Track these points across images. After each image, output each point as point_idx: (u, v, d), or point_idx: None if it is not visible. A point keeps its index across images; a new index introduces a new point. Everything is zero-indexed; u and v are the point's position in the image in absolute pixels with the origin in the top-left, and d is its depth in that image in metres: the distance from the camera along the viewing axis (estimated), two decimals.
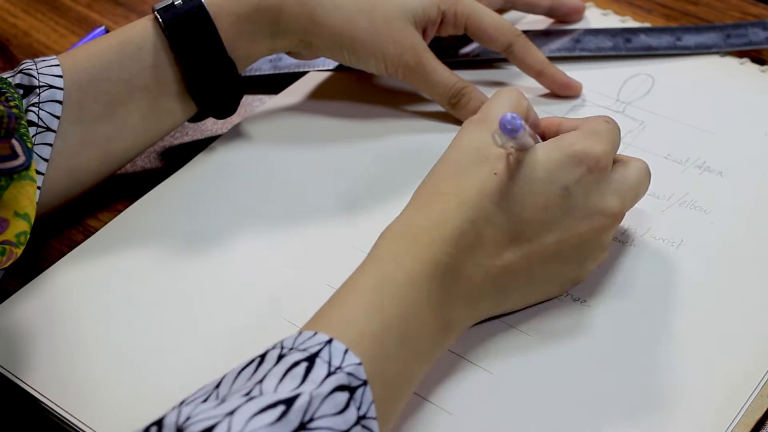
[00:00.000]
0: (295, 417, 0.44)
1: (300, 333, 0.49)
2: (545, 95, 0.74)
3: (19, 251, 0.57)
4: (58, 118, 0.63)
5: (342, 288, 0.52)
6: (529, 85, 0.74)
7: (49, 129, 0.62)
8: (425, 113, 0.73)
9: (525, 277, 0.56)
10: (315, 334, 0.48)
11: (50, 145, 0.63)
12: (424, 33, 0.71)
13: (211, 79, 0.67)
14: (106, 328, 0.60)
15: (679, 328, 0.58)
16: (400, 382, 0.50)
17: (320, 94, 0.76)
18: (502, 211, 0.54)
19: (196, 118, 0.70)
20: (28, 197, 0.58)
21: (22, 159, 0.58)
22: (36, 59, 0.64)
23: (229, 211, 0.67)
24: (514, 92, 0.59)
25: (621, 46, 0.77)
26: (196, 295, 0.62)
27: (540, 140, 0.60)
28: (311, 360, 0.47)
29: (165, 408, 0.55)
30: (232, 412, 0.44)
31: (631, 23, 0.80)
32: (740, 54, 0.77)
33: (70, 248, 0.65)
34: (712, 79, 0.75)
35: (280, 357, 0.47)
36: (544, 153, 0.55)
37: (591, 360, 0.57)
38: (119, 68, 0.65)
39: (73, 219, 0.69)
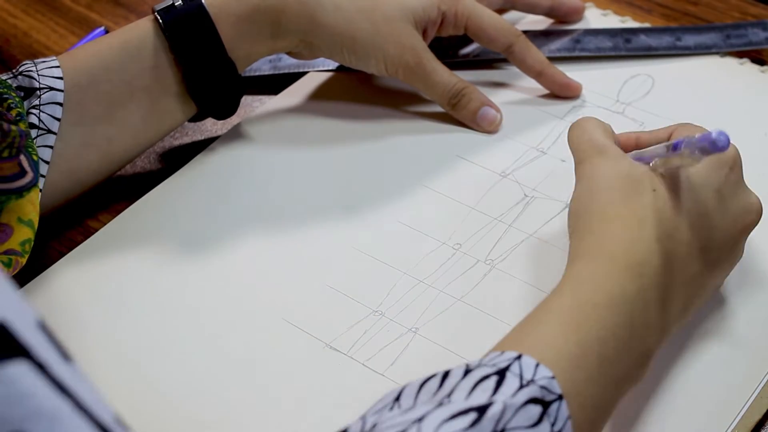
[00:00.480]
0: (487, 425, 0.42)
1: (486, 354, 0.47)
2: (545, 95, 0.74)
3: (24, 260, 0.57)
4: (58, 119, 0.63)
5: (535, 310, 0.49)
6: (529, 85, 0.74)
7: (49, 131, 0.62)
8: (425, 114, 0.73)
9: (700, 288, 0.55)
10: (503, 352, 0.46)
11: (51, 147, 0.63)
12: (424, 33, 0.71)
13: (211, 80, 0.67)
14: (106, 328, 0.60)
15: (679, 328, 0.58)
16: (597, 407, 0.47)
17: (320, 94, 0.76)
18: (675, 226, 0.53)
19: (196, 119, 0.70)
20: (31, 203, 0.58)
21: (30, 176, 0.58)
22: (36, 60, 0.64)
23: (229, 211, 0.67)
24: (594, 119, 0.58)
25: (621, 47, 0.77)
26: (195, 295, 0.62)
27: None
28: (501, 374, 0.44)
29: (164, 407, 0.55)
30: (420, 419, 0.42)
31: (630, 23, 0.80)
32: (740, 54, 0.77)
33: (70, 249, 0.65)
34: (712, 80, 0.75)
35: (467, 372, 0.45)
36: None
37: None
38: (119, 69, 0.65)
39: (73, 220, 0.68)
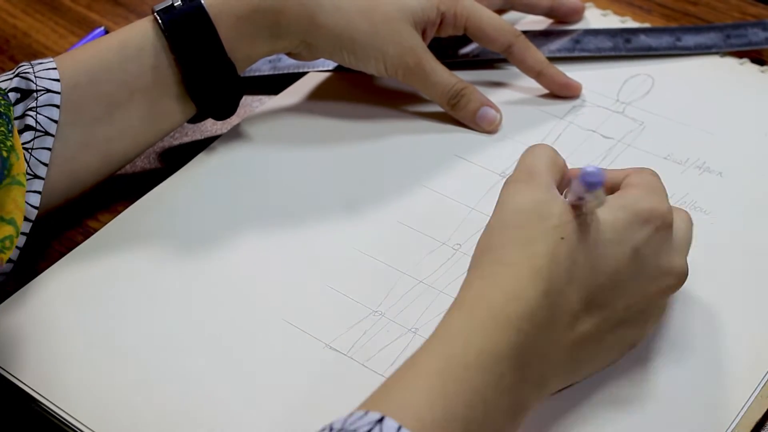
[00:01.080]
0: None
1: (351, 414, 0.45)
2: (545, 95, 0.74)
3: (5, 256, 0.56)
4: (56, 122, 0.63)
5: (403, 367, 0.48)
6: (528, 85, 0.74)
7: (47, 133, 0.62)
8: (425, 114, 0.73)
9: (595, 346, 0.52)
10: (366, 413, 0.45)
11: (48, 149, 0.62)
12: (423, 34, 0.71)
13: (211, 81, 0.67)
14: (105, 329, 0.60)
15: (679, 327, 0.58)
16: None
17: (319, 94, 0.76)
18: (573, 280, 0.50)
19: (195, 120, 0.70)
20: (14, 201, 0.57)
21: None
22: (33, 62, 0.64)
23: (229, 211, 0.67)
24: (548, 147, 0.56)
25: (621, 47, 0.77)
26: (195, 295, 0.62)
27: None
28: None
29: (164, 406, 0.55)
30: None
31: (630, 23, 0.80)
32: (740, 54, 0.77)
33: (70, 249, 0.65)
34: (711, 80, 0.75)
35: None
36: (609, 213, 0.52)
37: None
38: (119, 70, 0.65)
39: (73, 220, 0.68)
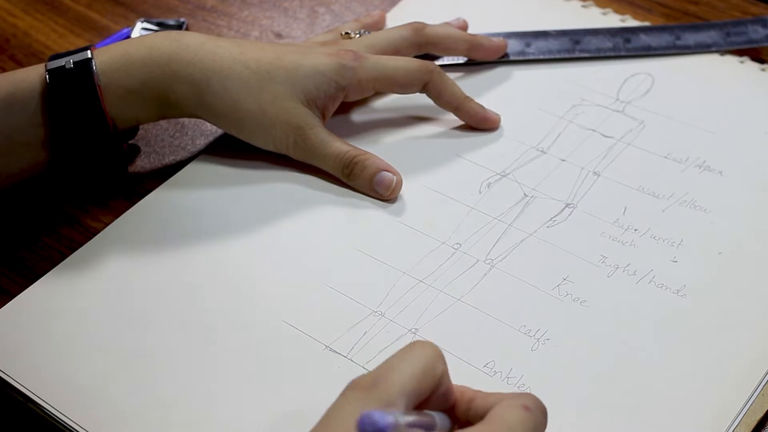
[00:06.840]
0: None
1: None
2: (544, 94, 0.74)
3: None
4: None
5: None
6: (528, 84, 0.74)
7: None
8: (425, 114, 0.73)
9: None
10: None
11: None
12: (324, 108, 0.69)
13: (82, 150, 0.66)
14: (107, 330, 0.60)
15: (679, 327, 0.58)
16: None
17: None
18: None
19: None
20: None
21: None
22: None
23: (229, 212, 0.67)
24: (427, 350, 0.46)
25: (621, 47, 0.77)
26: (195, 296, 0.62)
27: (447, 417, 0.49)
28: None
29: (163, 407, 0.55)
30: None
31: (630, 22, 0.80)
32: (740, 53, 0.77)
33: (71, 249, 0.65)
34: (712, 78, 0.75)
35: None
36: None
37: (591, 359, 0.57)
38: (2, 124, 0.64)
39: (73, 219, 0.68)
